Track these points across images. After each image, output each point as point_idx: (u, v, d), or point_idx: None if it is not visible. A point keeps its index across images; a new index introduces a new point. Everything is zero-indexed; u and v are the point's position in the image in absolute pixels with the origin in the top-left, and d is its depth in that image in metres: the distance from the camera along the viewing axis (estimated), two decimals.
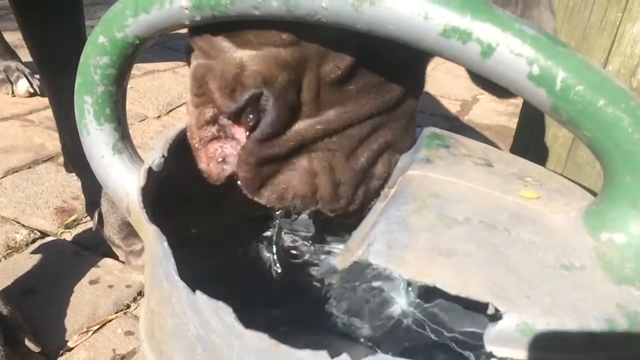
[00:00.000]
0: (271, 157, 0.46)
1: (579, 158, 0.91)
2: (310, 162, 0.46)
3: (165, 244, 0.40)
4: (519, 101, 1.73)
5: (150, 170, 0.47)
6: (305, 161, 0.46)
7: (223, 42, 0.44)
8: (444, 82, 2.15)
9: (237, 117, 0.46)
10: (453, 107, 1.98)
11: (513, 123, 1.45)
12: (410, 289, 0.49)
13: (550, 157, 0.94)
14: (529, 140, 0.98)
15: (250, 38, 0.43)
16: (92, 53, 0.46)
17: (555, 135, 0.93)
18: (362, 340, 0.50)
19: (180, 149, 0.51)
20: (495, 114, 1.95)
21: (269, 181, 0.47)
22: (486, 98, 2.09)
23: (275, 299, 0.55)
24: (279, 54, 0.43)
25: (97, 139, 0.50)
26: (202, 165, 0.48)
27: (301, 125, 0.45)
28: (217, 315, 0.36)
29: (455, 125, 1.81)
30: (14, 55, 1.72)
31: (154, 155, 0.48)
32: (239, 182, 0.48)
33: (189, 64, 0.48)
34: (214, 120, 0.47)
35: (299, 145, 0.46)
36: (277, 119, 0.44)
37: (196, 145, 0.48)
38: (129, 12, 0.43)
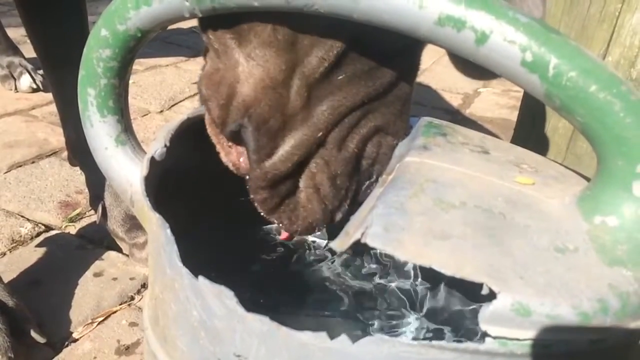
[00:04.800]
0: (278, 179, 0.47)
1: (579, 149, 0.91)
2: (314, 176, 0.47)
3: (168, 231, 0.41)
4: (520, 94, 1.73)
5: (153, 159, 0.48)
6: (311, 177, 0.47)
7: (228, 40, 0.45)
8: (445, 76, 2.15)
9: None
10: (455, 101, 1.98)
11: (515, 116, 1.46)
12: (407, 273, 0.50)
13: (550, 148, 0.94)
14: (530, 132, 0.98)
15: (251, 37, 0.44)
16: (94, 46, 0.46)
17: (555, 127, 0.93)
18: (360, 322, 0.51)
19: (182, 140, 0.52)
20: (497, 107, 1.95)
21: (283, 204, 0.48)
22: (488, 92, 2.09)
23: (275, 284, 0.56)
24: (269, 71, 0.44)
25: (100, 130, 0.51)
26: (232, 159, 0.50)
27: (301, 138, 0.46)
28: (219, 299, 0.37)
29: (457, 118, 1.81)
30: (16, 51, 1.73)
31: (156, 145, 0.49)
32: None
33: (205, 62, 0.50)
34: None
35: (305, 157, 0.47)
36: (257, 147, 0.46)
37: (221, 144, 0.50)
38: (131, 4, 0.43)
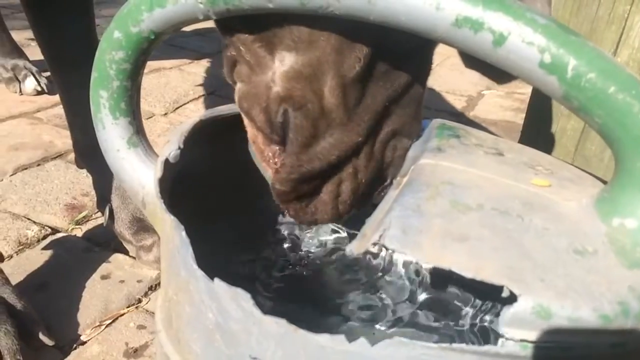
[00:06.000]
0: (308, 176, 0.46)
1: (587, 151, 0.91)
2: (340, 178, 0.47)
3: (183, 233, 0.41)
4: (524, 96, 1.72)
5: (167, 161, 0.48)
6: (336, 179, 0.47)
7: (255, 46, 0.45)
8: (450, 78, 2.15)
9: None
10: (459, 103, 1.98)
11: (519, 118, 1.45)
12: (421, 275, 0.50)
13: (558, 150, 0.94)
14: (538, 134, 0.98)
15: (276, 42, 0.44)
16: (107, 48, 0.46)
17: (564, 129, 0.93)
18: (377, 325, 0.51)
19: (194, 142, 0.52)
20: (501, 110, 1.95)
21: (304, 199, 0.48)
22: (492, 94, 2.09)
23: (290, 287, 0.56)
24: (295, 67, 0.44)
25: (112, 133, 0.51)
26: (270, 164, 0.49)
27: (341, 137, 0.45)
28: (236, 301, 0.37)
29: (462, 121, 1.81)
30: (21, 54, 1.73)
31: (170, 147, 0.49)
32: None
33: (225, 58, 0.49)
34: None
35: (338, 159, 0.46)
36: (300, 125, 0.45)
37: (266, 160, 0.49)
38: (144, 7, 0.43)
